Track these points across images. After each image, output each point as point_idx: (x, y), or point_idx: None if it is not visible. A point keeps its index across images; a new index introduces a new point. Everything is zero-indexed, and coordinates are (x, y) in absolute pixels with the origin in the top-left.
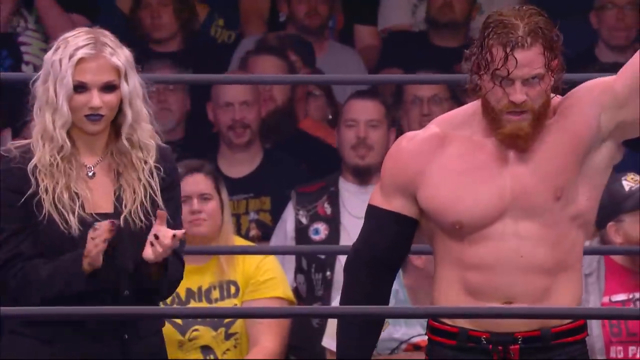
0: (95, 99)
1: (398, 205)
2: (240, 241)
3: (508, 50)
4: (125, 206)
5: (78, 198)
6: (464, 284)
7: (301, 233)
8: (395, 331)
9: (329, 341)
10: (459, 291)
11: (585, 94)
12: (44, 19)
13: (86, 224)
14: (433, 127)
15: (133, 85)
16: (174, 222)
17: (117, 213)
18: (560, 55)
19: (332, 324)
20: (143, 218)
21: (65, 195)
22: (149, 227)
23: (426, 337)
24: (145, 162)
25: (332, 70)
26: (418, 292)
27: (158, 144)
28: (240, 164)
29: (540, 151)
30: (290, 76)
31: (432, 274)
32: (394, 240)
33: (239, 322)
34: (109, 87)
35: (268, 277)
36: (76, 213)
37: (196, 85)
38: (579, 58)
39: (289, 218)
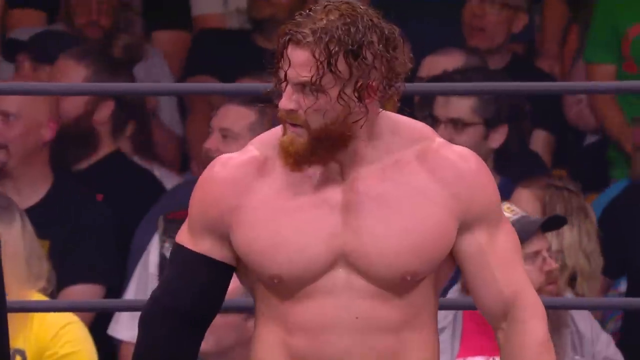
0: None
1: (207, 246)
2: (37, 296)
3: (285, 44)
4: None
5: None
6: (287, 349)
7: None
8: None
9: None
10: (280, 357)
11: (485, 183)
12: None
13: None
14: (252, 149)
15: None
16: None
17: None
18: (382, 80)
19: None
20: None
21: None
22: None
23: None
24: None
25: (146, 79)
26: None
27: None
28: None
29: (399, 196)
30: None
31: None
32: (202, 289)
33: None
34: None
35: (70, 351)
36: None
37: None
38: None
39: None
